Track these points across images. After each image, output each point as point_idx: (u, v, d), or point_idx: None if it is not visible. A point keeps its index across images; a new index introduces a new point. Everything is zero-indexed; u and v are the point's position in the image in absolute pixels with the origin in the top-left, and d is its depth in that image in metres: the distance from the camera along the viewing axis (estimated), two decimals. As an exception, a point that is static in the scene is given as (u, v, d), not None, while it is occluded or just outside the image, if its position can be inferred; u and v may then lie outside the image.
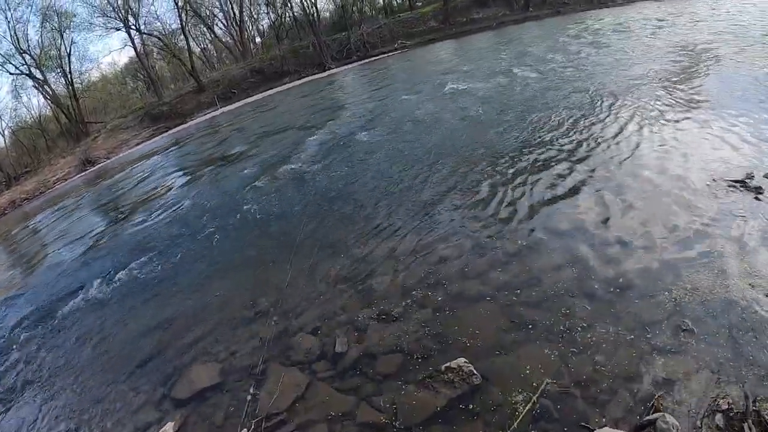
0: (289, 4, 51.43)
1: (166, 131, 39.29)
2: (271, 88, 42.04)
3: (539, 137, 8.82)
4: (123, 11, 45.00)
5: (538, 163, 7.61)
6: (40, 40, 44.14)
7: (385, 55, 42.31)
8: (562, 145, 8.09)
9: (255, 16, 57.12)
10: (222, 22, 55.15)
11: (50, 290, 9.52)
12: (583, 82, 12.12)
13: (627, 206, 5.65)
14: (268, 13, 56.01)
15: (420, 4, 52.84)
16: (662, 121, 7.98)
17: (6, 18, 41.41)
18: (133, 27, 46.05)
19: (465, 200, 7.08)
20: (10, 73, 43.76)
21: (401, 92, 18.68)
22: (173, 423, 4.39)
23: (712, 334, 3.60)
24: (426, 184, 8.15)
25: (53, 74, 46.05)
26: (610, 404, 3.31)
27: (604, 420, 3.20)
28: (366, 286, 5.62)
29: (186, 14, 48.39)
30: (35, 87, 45.82)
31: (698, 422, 3.05)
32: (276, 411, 4.15)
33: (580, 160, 7.27)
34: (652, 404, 3.20)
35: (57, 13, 43.82)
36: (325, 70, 43.11)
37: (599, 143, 7.75)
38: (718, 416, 3.06)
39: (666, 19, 20.78)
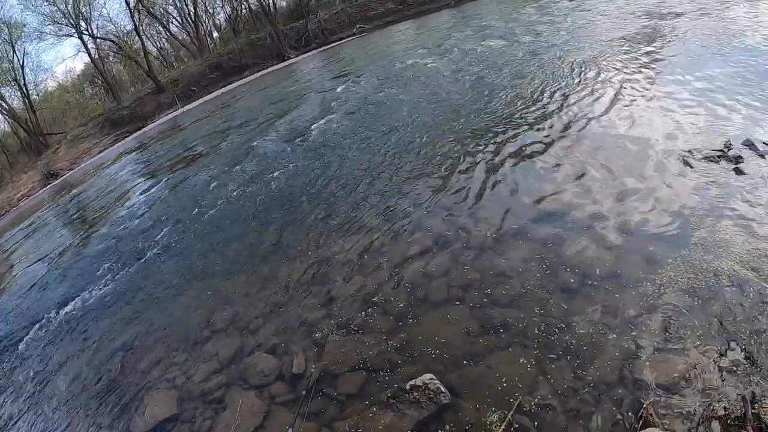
0: (244, -5, 50.17)
1: (129, 135, 38.19)
2: (231, 83, 41.11)
3: (502, 116, 8.33)
4: (74, 17, 43.19)
5: (504, 147, 7.12)
6: (-9, 54, 42.17)
7: (344, 40, 41.53)
8: (528, 125, 7.60)
9: (210, 11, 55.58)
10: (177, 20, 53.48)
11: (3, 321, 9.07)
12: (543, 54, 11.61)
13: (600, 189, 5.19)
14: (223, 6, 54.58)
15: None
16: (633, 92, 7.52)
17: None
18: (85, 32, 44.44)
19: (426, 192, 6.60)
20: (-37, 91, 41.75)
21: (360, 77, 18.18)
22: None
23: (703, 327, 3.21)
24: (385, 176, 7.68)
25: (8, 88, 44.19)
26: (595, 417, 2.94)
27: (588, 437, 2.82)
28: (324, 294, 5.16)
29: (139, 14, 46.71)
30: (-10, 103, 43.86)
31: (693, 431, 2.69)
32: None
33: (549, 141, 6.79)
34: (641, 414, 2.84)
35: (6, 25, 41.63)
36: (284, 60, 42.40)
37: (568, 120, 7.28)
38: (715, 423, 2.71)
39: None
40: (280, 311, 5.21)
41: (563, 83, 8.99)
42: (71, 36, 44.49)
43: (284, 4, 52.38)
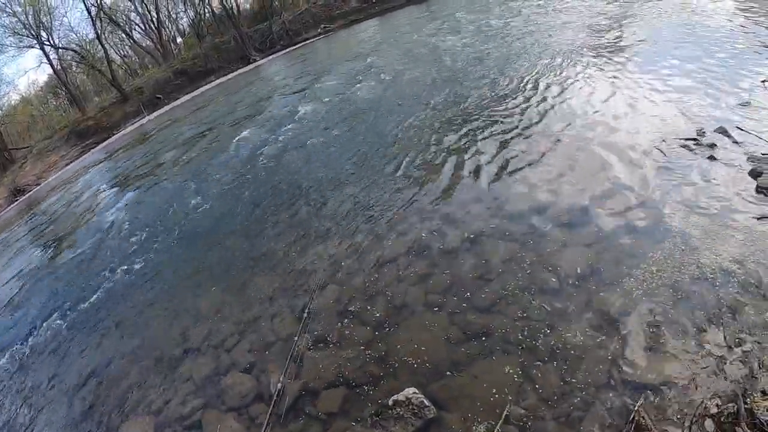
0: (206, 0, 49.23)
1: (96, 146, 37.03)
2: (198, 88, 40.23)
3: (474, 110, 8.24)
4: (35, 27, 41.44)
5: (477, 142, 7.02)
6: (-49, 71, 40.61)
7: (310, 41, 41.23)
8: (501, 118, 7.51)
9: (174, 16, 54.28)
10: (140, 26, 52.06)
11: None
12: (512, 44, 11.61)
13: (575, 183, 5.10)
14: (186, 11, 53.36)
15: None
16: (603, 83, 7.50)
17: None
18: (47, 42, 42.60)
19: (398, 196, 6.42)
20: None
21: (325, 77, 18.02)
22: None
23: (689, 322, 3.12)
24: (354, 180, 7.49)
25: (-30, 104, 42.43)
26: (585, 422, 2.83)
27: (579, 443, 2.70)
28: (299, 305, 4.96)
29: (101, 22, 45.30)
30: (-48, 120, 42.09)
31: (686, 431, 2.59)
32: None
33: (523, 134, 6.73)
34: (633, 417, 2.72)
35: (-35, 39, 40.14)
36: (249, 63, 41.75)
37: (542, 111, 7.21)
38: (708, 422, 2.62)
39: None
40: (255, 326, 5.00)
41: (531, 78, 8.94)
42: (32, 47, 42.82)
43: (248, 6, 51.63)
